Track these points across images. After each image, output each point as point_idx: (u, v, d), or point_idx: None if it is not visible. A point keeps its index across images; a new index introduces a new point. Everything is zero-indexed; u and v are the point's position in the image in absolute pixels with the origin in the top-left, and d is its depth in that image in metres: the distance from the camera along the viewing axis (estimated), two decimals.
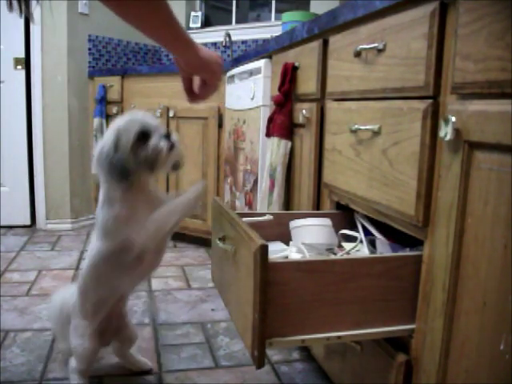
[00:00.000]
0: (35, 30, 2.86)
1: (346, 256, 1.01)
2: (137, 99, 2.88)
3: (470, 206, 0.71)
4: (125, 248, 1.06)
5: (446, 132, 0.72)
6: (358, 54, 1.04)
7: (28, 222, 3.07)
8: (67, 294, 1.31)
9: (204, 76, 0.94)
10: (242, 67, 2.07)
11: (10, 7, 0.67)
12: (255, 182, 1.84)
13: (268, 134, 1.56)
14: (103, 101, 2.96)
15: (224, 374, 1.42)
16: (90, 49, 3.12)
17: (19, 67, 2.93)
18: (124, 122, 1.06)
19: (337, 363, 1.18)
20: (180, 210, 1.08)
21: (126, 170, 1.02)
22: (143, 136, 1.03)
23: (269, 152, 1.54)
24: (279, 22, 3.03)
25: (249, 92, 1.89)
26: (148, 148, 1.03)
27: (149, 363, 1.42)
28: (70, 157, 3.02)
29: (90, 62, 3.12)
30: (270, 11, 3.33)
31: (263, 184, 1.58)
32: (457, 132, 0.71)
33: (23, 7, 0.66)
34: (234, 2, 3.50)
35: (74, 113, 3.02)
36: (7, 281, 2.12)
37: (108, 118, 2.99)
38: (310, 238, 1.09)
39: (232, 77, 2.24)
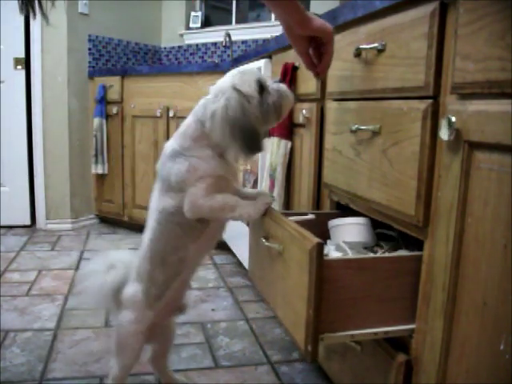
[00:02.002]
0: (35, 30, 2.87)
1: (392, 254, 1.02)
2: (137, 99, 2.88)
3: (469, 206, 0.71)
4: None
5: (445, 132, 0.72)
6: (357, 54, 1.04)
7: (28, 222, 3.07)
8: (108, 277, 1.16)
9: (322, 34, 0.98)
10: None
11: (23, 9, 0.67)
12: (255, 181, 1.84)
13: (268, 134, 1.56)
14: (103, 101, 2.96)
15: (224, 373, 1.42)
16: (90, 49, 3.12)
17: (19, 67, 2.93)
18: (237, 78, 0.97)
19: (337, 363, 1.18)
20: (240, 212, 1.00)
21: (258, 138, 0.93)
22: (261, 86, 0.96)
23: (269, 152, 1.54)
24: (279, 22, 3.03)
25: None
26: (273, 93, 0.96)
27: (185, 380, 1.35)
28: (70, 157, 3.02)
29: (90, 62, 3.12)
30: (270, 11, 3.32)
31: (263, 184, 1.58)
32: (457, 132, 0.71)
33: (37, 9, 0.66)
34: (234, 2, 3.50)
35: (74, 113, 3.02)
36: (7, 281, 2.12)
37: (108, 117, 2.99)
38: (350, 236, 1.10)
39: None
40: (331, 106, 1.23)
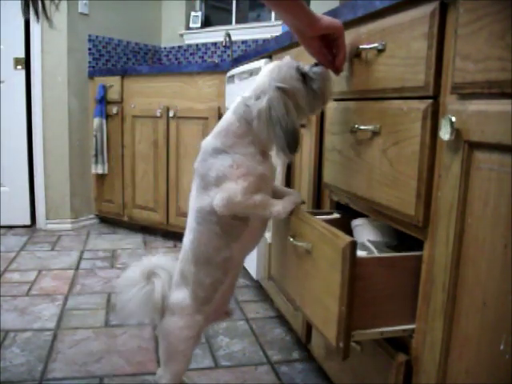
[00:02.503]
0: (35, 30, 2.87)
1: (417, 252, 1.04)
2: (137, 99, 2.88)
3: (469, 206, 0.71)
4: None
5: (445, 132, 0.72)
6: (357, 54, 1.04)
7: (28, 222, 3.07)
8: (153, 289, 1.11)
9: (333, 31, 0.98)
10: (242, 67, 2.07)
11: (26, 12, 0.67)
12: None
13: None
14: (103, 101, 2.97)
15: (224, 373, 1.42)
16: (90, 49, 3.12)
17: (19, 67, 2.93)
18: (275, 74, 0.95)
19: (337, 363, 1.18)
20: (270, 210, 1.00)
21: (298, 139, 0.94)
22: (302, 75, 0.96)
23: None
24: (279, 22, 3.04)
25: None
26: (315, 77, 0.96)
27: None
28: (69, 157, 3.02)
29: (90, 62, 3.12)
30: (270, 11, 3.33)
31: None
32: (457, 132, 0.71)
33: (40, 11, 0.66)
34: (234, 2, 3.50)
35: (74, 113, 3.02)
36: (7, 281, 2.12)
37: (108, 117, 2.99)
38: (374, 235, 1.11)
39: (232, 77, 2.24)
40: (331, 106, 1.23)
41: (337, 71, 1.03)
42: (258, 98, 0.95)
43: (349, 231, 1.13)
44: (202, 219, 1.02)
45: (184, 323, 1.08)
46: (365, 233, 1.13)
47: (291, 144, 0.94)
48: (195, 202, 1.03)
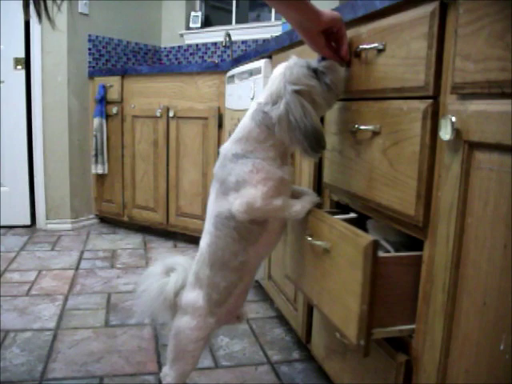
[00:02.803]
0: (35, 29, 2.87)
1: None
2: (137, 99, 2.88)
3: (469, 206, 0.71)
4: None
5: (445, 132, 0.72)
6: (357, 54, 1.04)
7: (28, 222, 3.07)
8: (166, 280, 1.13)
9: (335, 24, 1.00)
10: (242, 67, 2.07)
11: (28, 13, 0.67)
12: None
13: None
14: (103, 101, 2.97)
15: (224, 373, 1.42)
16: (89, 49, 3.12)
17: (19, 67, 2.93)
18: (288, 75, 0.95)
19: (337, 363, 1.18)
20: (289, 211, 1.02)
21: (322, 137, 0.94)
22: (314, 71, 0.96)
23: None
24: (279, 22, 3.04)
25: (249, 92, 1.89)
26: (326, 71, 0.96)
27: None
28: (69, 157, 3.02)
29: (90, 62, 3.12)
30: (270, 11, 3.33)
31: None
32: (457, 132, 0.71)
33: (42, 12, 0.65)
34: (234, 2, 3.50)
35: (73, 113, 3.03)
36: (7, 281, 2.12)
37: (108, 117, 3.00)
38: (390, 234, 1.12)
39: (232, 77, 2.24)
40: None
41: (343, 61, 1.04)
42: (274, 103, 0.95)
43: (364, 230, 1.13)
44: (220, 224, 1.03)
45: (196, 324, 1.08)
46: (381, 232, 1.14)
47: (313, 145, 0.94)
48: (213, 206, 1.04)
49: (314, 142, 0.94)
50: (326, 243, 0.96)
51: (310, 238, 1.03)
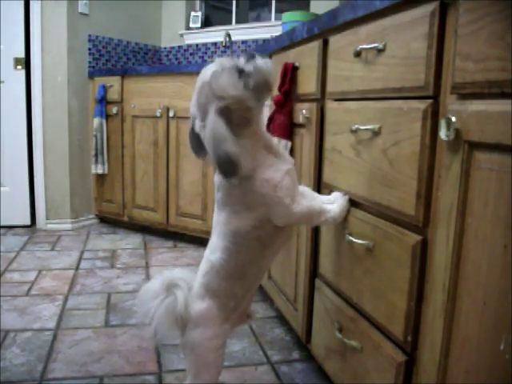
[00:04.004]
0: (35, 29, 2.87)
1: None
2: (137, 99, 2.88)
3: (469, 206, 0.71)
4: (267, 218, 1.00)
5: (445, 132, 0.72)
6: (357, 54, 1.04)
7: (28, 222, 3.07)
8: (175, 300, 1.06)
9: None
10: None
11: None
12: None
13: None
14: (103, 101, 2.96)
15: (224, 373, 1.42)
16: (89, 49, 3.12)
17: (19, 67, 2.93)
18: (214, 85, 0.93)
19: (337, 363, 1.18)
20: (325, 217, 1.08)
21: (234, 165, 0.92)
22: (241, 72, 0.94)
23: None
24: (279, 22, 3.03)
25: None
26: (253, 72, 0.93)
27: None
28: (69, 157, 3.02)
29: (90, 62, 3.12)
30: (270, 11, 3.33)
31: None
32: (457, 132, 0.71)
33: None
34: (234, 2, 3.50)
35: (74, 113, 3.02)
36: (7, 281, 2.12)
37: (108, 117, 3.00)
38: None
39: None
40: (331, 106, 1.23)
41: None
42: (202, 119, 0.95)
43: None
44: (239, 239, 1.02)
45: (212, 333, 1.06)
46: None
47: (227, 173, 0.94)
48: (228, 225, 1.03)
49: (228, 170, 0.93)
50: (368, 242, 1.00)
51: (350, 238, 1.07)
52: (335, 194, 1.17)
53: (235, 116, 0.94)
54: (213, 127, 0.92)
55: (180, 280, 1.08)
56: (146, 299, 1.06)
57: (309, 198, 1.07)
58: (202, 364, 1.07)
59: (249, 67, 0.94)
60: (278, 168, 0.99)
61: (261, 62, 0.95)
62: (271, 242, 1.05)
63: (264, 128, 1.05)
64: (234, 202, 1.02)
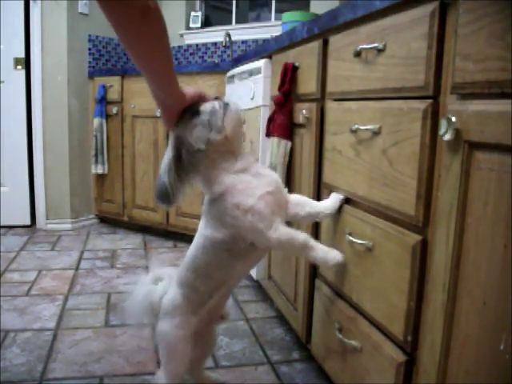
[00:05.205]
0: (35, 29, 2.87)
1: None
2: (137, 99, 2.88)
3: (470, 206, 0.71)
4: (241, 237, 1.01)
5: (445, 132, 0.72)
6: (357, 54, 1.04)
7: (28, 222, 3.07)
8: (153, 287, 1.18)
9: (197, 100, 1.03)
10: (242, 67, 2.07)
11: None
12: None
13: (268, 134, 1.56)
14: (103, 101, 2.96)
15: (224, 373, 1.42)
16: (89, 49, 3.12)
17: (19, 67, 2.93)
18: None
19: (337, 363, 1.18)
20: (315, 256, 1.04)
21: (169, 195, 0.99)
22: (194, 112, 0.99)
23: (269, 152, 1.54)
24: (279, 22, 3.03)
25: (249, 92, 1.89)
26: (203, 117, 0.98)
27: (220, 378, 1.36)
28: (69, 157, 3.02)
29: (90, 62, 3.12)
30: (270, 11, 3.33)
31: None
32: (457, 132, 0.71)
33: None
34: (234, 2, 3.49)
35: (74, 113, 3.02)
36: (7, 281, 2.12)
37: (108, 117, 2.99)
38: None
39: (232, 77, 2.24)
40: (331, 106, 1.23)
41: None
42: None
43: None
44: (209, 245, 1.05)
45: (179, 322, 1.10)
46: None
47: (158, 199, 1.02)
48: (205, 229, 1.06)
49: (159, 197, 1.01)
50: (368, 242, 1.00)
51: (350, 237, 1.06)
52: (330, 201, 1.16)
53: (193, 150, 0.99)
54: (164, 159, 1.01)
55: (166, 275, 1.18)
56: (137, 286, 1.19)
57: (301, 207, 1.09)
58: (171, 353, 1.12)
59: (206, 105, 1.00)
60: (252, 192, 0.98)
61: (216, 107, 1.00)
62: (243, 257, 1.05)
63: (240, 151, 1.04)
64: (211, 216, 1.04)
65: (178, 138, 1.01)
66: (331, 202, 1.14)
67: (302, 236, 1.02)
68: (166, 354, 1.13)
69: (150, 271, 1.24)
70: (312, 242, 1.03)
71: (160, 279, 1.19)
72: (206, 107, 1.00)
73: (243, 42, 3.29)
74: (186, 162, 1.00)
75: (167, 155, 1.01)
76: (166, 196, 0.99)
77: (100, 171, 3.03)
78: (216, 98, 1.03)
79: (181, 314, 1.10)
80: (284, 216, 1.07)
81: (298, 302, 1.47)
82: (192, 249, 1.11)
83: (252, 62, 1.95)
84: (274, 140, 1.50)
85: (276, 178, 1.07)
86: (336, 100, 1.21)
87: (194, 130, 0.98)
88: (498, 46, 0.64)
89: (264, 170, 1.06)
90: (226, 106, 1.01)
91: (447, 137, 0.72)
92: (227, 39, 3.14)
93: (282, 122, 1.47)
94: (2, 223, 2.99)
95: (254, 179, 1.01)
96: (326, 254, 1.04)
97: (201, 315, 1.12)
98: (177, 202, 1.00)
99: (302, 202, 1.12)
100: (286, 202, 1.08)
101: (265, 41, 2.83)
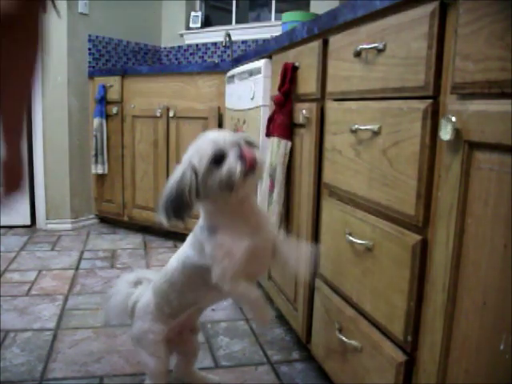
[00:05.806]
0: None
1: None
2: (137, 99, 2.88)
3: (470, 206, 0.71)
4: None
5: (445, 132, 0.72)
6: (357, 54, 1.04)
7: (28, 222, 3.07)
8: (132, 291, 1.23)
9: None
10: (242, 67, 2.07)
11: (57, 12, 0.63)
12: None
13: (268, 134, 1.56)
14: (103, 101, 2.96)
15: (224, 373, 1.42)
16: (89, 49, 3.12)
17: None
18: (194, 150, 1.06)
19: (337, 363, 1.18)
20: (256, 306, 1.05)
21: (184, 211, 1.00)
22: (219, 158, 0.96)
23: (269, 152, 1.54)
24: (279, 22, 3.04)
25: (249, 92, 1.89)
26: (222, 171, 0.94)
27: (215, 378, 1.37)
28: (69, 157, 3.02)
29: (90, 62, 3.12)
30: (270, 11, 3.33)
31: (263, 184, 1.58)
32: (457, 132, 0.71)
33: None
34: (234, 2, 3.49)
35: (74, 113, 3.02)
36: (7, 281, 2.12)
37: (108, 117, 2.99)
38: None
39: (232, 77, 2.24)
40: (331, 106, 1.23)
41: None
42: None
43: None
44: (190, 265, 1.07)
45: (148, 327, 1.14)
46: None
47: (174, 212, 1.03)
48: (190, 248, 1.09)
49: (177, 210, 1.03)
50: (368, 242, 1.00)
51: (350, 238, 1.07)
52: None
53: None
54: (178, 173, 1.03)
55: (145, 280, 1.24)
56: (117, 284, 1.26)
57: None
58: (147, 356, 1.16)
59: (229, 163, 0.94)
60: (224, 243, 0.98)
61: (233, 166, 0.94)
62: (215, 289, 1.02)
63: (246, 200, 1.02)
64: (199, 239, 1.06)
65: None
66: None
67: (254, 294, 1.03)
68: (142, 355, 1.18)
69: (133, 272, 1.30)
70: (261, 301, 1.04)
71: (140, 283, 1.25)
72: (230, 161, 0.95)
73: (243, 42, 3.29)
74: (199, 185, 0.99)
75: (186, 173, 1.01)
76: (179, 210, 1.00)
77: (100, 171, 3.03)
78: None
79: (152, 320, 1.14)
80: (265, 263, 1.11)
81: (298, 302, 1.47)
82: (173, 260, 1.13)
83: (252, 61, 1.95)
84: (274, 140, 1.50)
85: (266, 231, 1.05)
86: (336, 100, 1.21)
87: (210, 177, 0.97)
88: (498, 46, 0.64)
89: (257, 221, 1.04)
90: (249, 170, 0.94)
91: (447, 137, 0.72)
92: (227, 39, 3.15)
93: (282, 122, 1.47)
94: (2, 223, 2.99)
95: (247, 226, 1.00)
96: (262, 316, 1.06)
97: (172, 325, 1.16)
98: (187, 218, 1.01)
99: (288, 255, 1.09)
100: (271, 249, 1.06)
101: (265, 41, 2.83)
